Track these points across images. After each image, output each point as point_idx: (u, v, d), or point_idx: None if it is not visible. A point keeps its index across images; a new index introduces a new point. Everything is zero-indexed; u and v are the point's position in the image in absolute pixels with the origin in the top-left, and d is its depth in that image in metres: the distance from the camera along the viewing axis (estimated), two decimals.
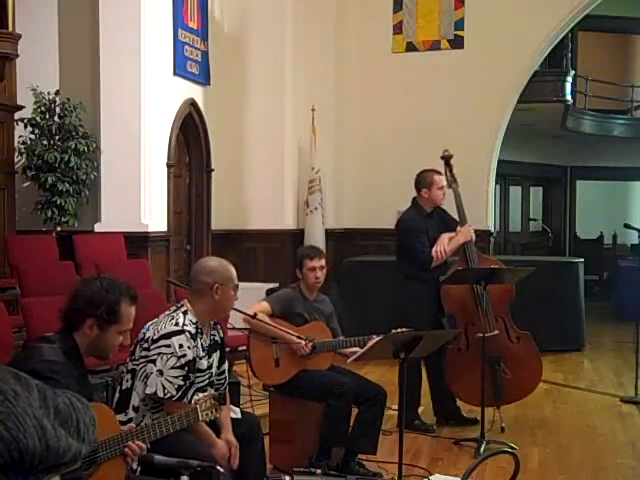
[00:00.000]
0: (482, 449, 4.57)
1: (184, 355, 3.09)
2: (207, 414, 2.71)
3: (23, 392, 0.62)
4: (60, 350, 2.47)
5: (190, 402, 3.13)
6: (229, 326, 5.07)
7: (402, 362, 3.50)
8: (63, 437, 0.61)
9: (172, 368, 3.06)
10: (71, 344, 2.51)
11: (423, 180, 5.17)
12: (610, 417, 5.60)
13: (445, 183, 5.18)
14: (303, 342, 4.11)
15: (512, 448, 4.25)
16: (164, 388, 3.06)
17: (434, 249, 5.05)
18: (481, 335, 4.81)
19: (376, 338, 4.10)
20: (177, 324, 3.15)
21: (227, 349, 3.68)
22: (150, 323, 3.21)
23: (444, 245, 5.05)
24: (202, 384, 3.24)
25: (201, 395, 2.76)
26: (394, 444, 3.82)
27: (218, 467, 2.55)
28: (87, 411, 0.68)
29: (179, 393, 3.07)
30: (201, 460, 2.57)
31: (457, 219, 5.22)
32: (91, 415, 0.69)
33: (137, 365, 3.13)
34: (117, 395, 3.18)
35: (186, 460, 2.49)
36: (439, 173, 5.20)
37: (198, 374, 3.21)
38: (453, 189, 5.25)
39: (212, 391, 3.31)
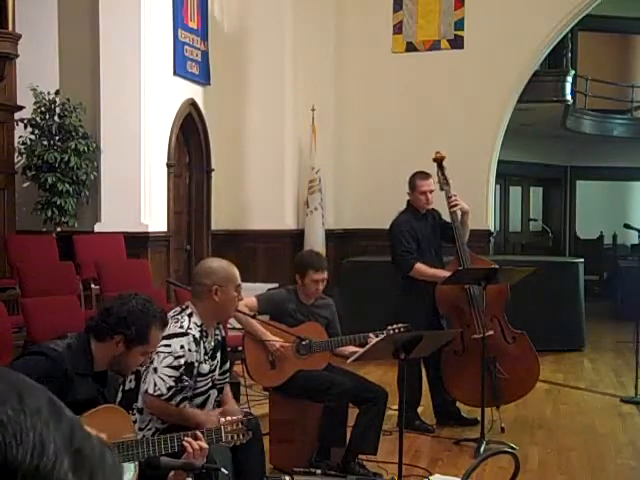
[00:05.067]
0: (482, 449, 4.57)
1: (182, 356, 3.09)
2: (232, 436, 2.66)
3: (48, 415, 0.62)
4: (67, 344, 2.49)
5: (177, 406, 3.13)
6: (229, 326, 5.07)
7: (402, 362, 3.50)
8: (62, 471, 0.61)
9: (167, 367, 3.07)
10: (82, 344, 2.53)
11: (410, 182, 5.17)
12: (610, 417, 5.59)
13: (432, 187, 5.13)
14: (278, 344, 4.10)
15: (512, 448, 4.25)
16: (155, 385, 3.05)
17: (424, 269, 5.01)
18: (476, 336, 4.81)
19: (373, 336, 4.12)
20: (182, 327, 3.15)
21: (227, 349, 3.67)
22: None
23: (435, 272, 5.01)
24: (203, 388, 3.23)
25: (229, 418, 2.71)
26: (394, 444, 3.82)
27: (222, 469, 2.55)
28: (114, 472, 0.66)
29: (169, 393, 3.06)
30: (205, 462, 2.57)
31: (449, 221, 5.23)
32: (117, 476, 0.68)
33: (140, 367, 3.13)
34: (120, 395, 3.17)
35: (191, 462, 2.49)
36: (425, 177, 5.13)
37: (200, 379, 3.20)
38: (445, 191, 5.24)
39: (215, 393, 3.31)
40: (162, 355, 3.08)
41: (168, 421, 3.11)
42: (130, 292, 2.70)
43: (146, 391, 3.07)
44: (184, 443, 2.53)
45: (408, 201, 5.25)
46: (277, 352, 4.10)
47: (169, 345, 3.09)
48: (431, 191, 5.12)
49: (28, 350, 2.53)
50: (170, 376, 3.07)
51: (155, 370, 3.07)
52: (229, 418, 2.71)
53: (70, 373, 2.40)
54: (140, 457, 2.45)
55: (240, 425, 2.68)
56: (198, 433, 2.58)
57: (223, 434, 2.65)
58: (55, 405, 0.64)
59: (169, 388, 3.06)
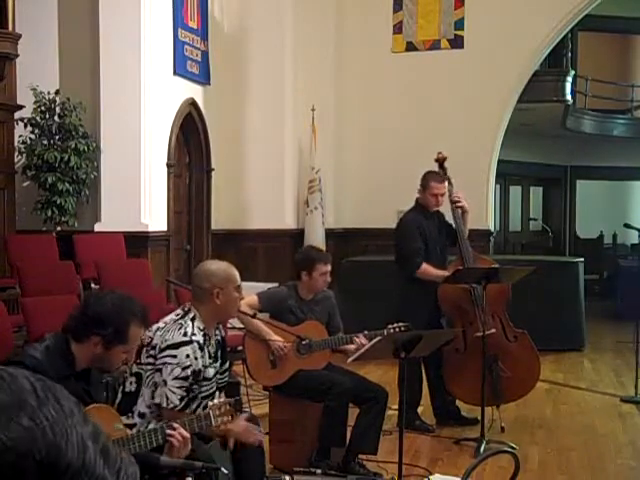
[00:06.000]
0: (482, 449, 4.57)
1: (189, 366, 3.07)
2: (221, 420, 2.66)
3: (79, 416, 0.64)
4: (44, 347, 2.46)
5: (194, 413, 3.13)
6: (229, 326, 5.07)
7: (402, 362, 3.50)
8: (102, 466, 0.63)
9: (175, 379, 3.04)
10: (61, 345, 2.49)
11: (423, 182, 5.17)
12: (610, 417, 5.60)
13: (444, 191, 5.12)
14: (281, 343, 4.10)
15: (512, 448, 4.25)
16: (167, 398, 3.04)
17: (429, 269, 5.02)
18: (478, 335, 4.82)
19: (362, 337, 4.14)
20: (185, 334, 3.11)
21: (227, 349, 3.67)
22: (156, 327, 3.16)
23: (438, 272, 5.02)
24: (209, 392, 3.22)
25: (216, 401, 2.72)
26: (394, 444, 3.82)
27: (222, 469, 2.55)
28: (131, 465, 0.70)
29: (182, 404, 3.06)
30: (205, 462, 2.57)
31: (451, 222, 5.23)
32: (135, 471, 0.71)
33: (142, 369, 3.12)
34: (120, 396, 3.16)
35: (191, 462, 2.49)
36: (440, 180, 5.13)
37: (205, 383, 3.18)
38: (448, 191, 5.24)
39: (218, 394, 3.30)
40: (170, 367, 3.05)
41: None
42: (106, 290, 2.66)
43: (159, 405, 3.06)
44: (168, 438, 2.51)
45: (417, 199, 5.24)
46: (280, 351, 4.10)
47: (175, 356, 3.06)
48: (442, 194, 5.13)
49: (9, 360, 2.49)
50: (180, 387, 3.05)
51: (165, 383, 3.05)
52: (216, 401, 2.71)
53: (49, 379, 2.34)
54: (130, 453, 2.44)
55: (228, 407, 2.68)
56: (174, 424, 2.56)
57: (212, 419, 2.64)
58: (80, 407, 0.67)
59: (181, 399, 3.05)
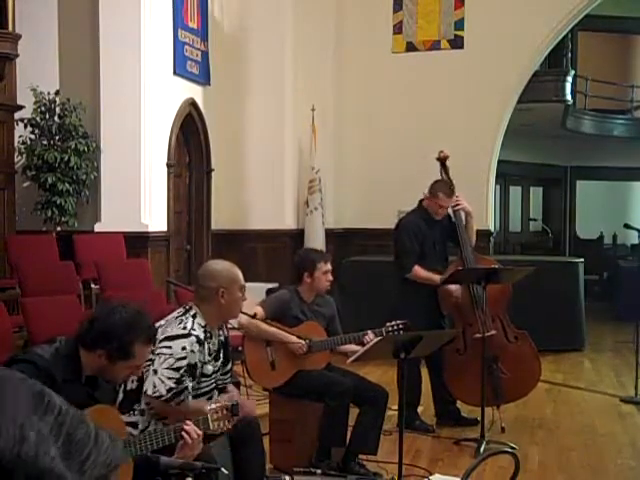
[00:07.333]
0: (482, 449, 4.57)
1: (183, 358, 3.07)
2: (219, 424, 2.66)
3: (31, 408, 0.63)
4: (54, 349, 2.45)
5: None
6: (230, 326, 5.06)
7: (402, 362, 3.50)
8: (47, 457, 0.62)
9: (167, 369, 3.05)
10: (70, 350, 2.49)
11: (432, 189, 5.13)
12: (610, 417, 5.60)
13: (448, 205, 5.12)
14: (302, 342, 4.10)
15: (512, 448, 4.25)
16: (154, 386, 3.04)
17: (420, 271, 5.02)
18: (478, 336, 4.82)
19: (370, 333, 4.14)
20: (185, 328, 3.14)
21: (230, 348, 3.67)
22: (158, 325, 3.18)
23: (431, 276, 5.02)
24: (207, 389, 3.23)
25: (214, 406, 2.73)
26: (394, 444, 3.82)
27: (223, 469, 2.55)
28: (111, 452, 0.68)
29: (169, 395, 3.05)
30: (205, 462, 2.57)
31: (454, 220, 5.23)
32: (114, 457, 0.69)
33: (143, 367, 3.12)
34: (121, 395, 3.15)
35: (191, 462, 2.49)
36: (450, 195, 5.08)
37: (203, 379, 3.19)
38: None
39: (216, 394, 3.30)
40: (163, 357, 3.07)
41: (175, 419, 3.10)
42: (120, 301, 2.61)
43: (145, 392, 3.06)
44: (183, 434, 2.51)
45: (421, 201, 5.22)
46: (300, 352, 4.09)
47: (170, 347, 3.08)
48: (447, 207, 5.12)
49: (16, 357, 2.47)
50: (170, 377, 3.05)
51: (155, 372, 3.06)
52: (214, 405, 2.71)
53: (57, 381, 2.32)
54: (135, 454, 2.43)
55: (225, 412, 2.68)
56: (188, 422, 2.56)
57: (210, 422, 2.63)
58: (42, 398, 0.66)
59: (169, 390, 3.05)
